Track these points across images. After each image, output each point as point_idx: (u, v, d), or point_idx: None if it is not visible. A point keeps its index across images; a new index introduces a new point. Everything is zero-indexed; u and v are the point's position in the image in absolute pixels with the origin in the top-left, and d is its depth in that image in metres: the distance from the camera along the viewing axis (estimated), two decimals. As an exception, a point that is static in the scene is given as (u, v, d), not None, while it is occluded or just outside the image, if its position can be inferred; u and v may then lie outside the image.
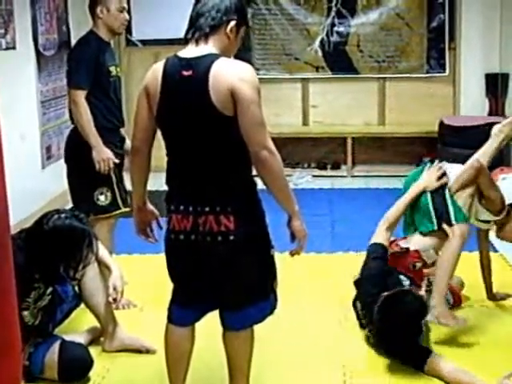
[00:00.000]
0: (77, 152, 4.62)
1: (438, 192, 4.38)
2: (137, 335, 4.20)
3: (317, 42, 8.59)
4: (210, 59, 3.01)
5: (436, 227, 4.31)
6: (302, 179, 8.27)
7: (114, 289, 4.01)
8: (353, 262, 5.30)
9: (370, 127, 8.73)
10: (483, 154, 4.46)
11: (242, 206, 3.08)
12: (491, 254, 4.90)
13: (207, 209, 3.04)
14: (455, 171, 4.43)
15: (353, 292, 4.38)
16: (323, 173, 8.60)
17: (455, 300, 4.52)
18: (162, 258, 5.49)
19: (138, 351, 4.12)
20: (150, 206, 3.39)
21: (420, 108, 8.54)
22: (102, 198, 4.64)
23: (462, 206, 4.32)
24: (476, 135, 7.44)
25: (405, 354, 3.86)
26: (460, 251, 4.22)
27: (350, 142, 8.48)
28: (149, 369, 3.92)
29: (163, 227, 3.30)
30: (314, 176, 8.46)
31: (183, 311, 3.32)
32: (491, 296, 4.67)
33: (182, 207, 3.10)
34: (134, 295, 4.79)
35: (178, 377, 3.39)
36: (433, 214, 4.33)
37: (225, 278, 3.15)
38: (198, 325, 3.37)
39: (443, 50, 8.46)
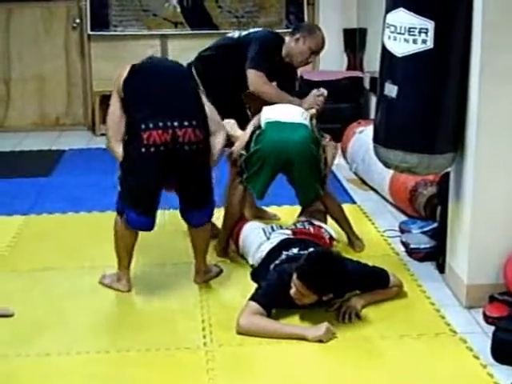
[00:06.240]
0: None
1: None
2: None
3: (175, -2, 8.46)
4: None
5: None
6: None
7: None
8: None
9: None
10: None
11: (205, 121, 4.06)
12: (350, 205, 4.99)
13: (186, 123, 3.90)
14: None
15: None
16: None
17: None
18: (16, 220, 5.39)
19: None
20: None
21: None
22: None
23: None
24: (334, 90, 7.59)
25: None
26: None
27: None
28: (7, 333, 3.81)
29: None
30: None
31: (144, 218, 4.05)
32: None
33: (161, 124, 3.86)
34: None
35: (129, 259, 4.21)
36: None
37: (194, 182, 4.05)
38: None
39: (302, 5, 8.45)
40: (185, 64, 4.93)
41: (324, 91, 4.88)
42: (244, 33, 4.96)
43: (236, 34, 5.00)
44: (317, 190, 4.60)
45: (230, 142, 4.58)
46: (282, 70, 4.91)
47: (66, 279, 4.43)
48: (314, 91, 4.88)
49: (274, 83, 4.90)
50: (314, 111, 4.73)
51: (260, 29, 5.20)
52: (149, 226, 4.10)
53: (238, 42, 4.88)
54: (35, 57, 8.40)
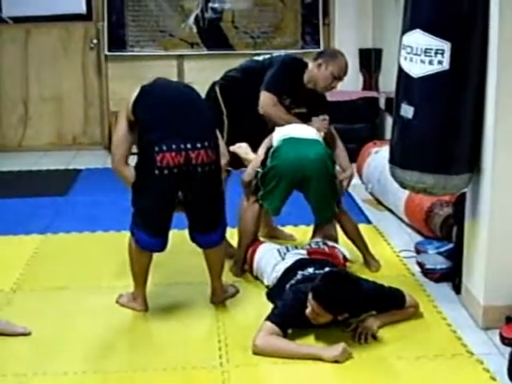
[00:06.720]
0: None
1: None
2: (6, 320, 4.03)
3: (191, 19, 8.49)
4: None
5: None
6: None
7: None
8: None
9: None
10: None
11: (216, 141, 4.08)
12: (365, 225, 4.99)
13: (199, 145, 3.87)
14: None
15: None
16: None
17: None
18: (33, 239, 5.41)
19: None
20: None
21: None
22: None
23: None
24: (350, 110, 7.63)
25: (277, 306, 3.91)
26: None
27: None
28: (24, 352, 3.82)
29: None
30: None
31: (155, 240, 4.04)
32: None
33: (174, 146, 3.83)
34: (4, 277, 4.69)
35: (144, 279, 4.20)
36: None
37: (205, 202, 4.04)
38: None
39: (317, 26, 8.50)
40: (208, 84, 4.99)
41: (326, 116, 4.90)
42: (267, 56, 4.99)
43: (261, 57, 5.03)
44: (333, 208, 4.63)
45: (243, 164, 4.63)
46: (310, 96, 4.91)
47: (83, 298, 4.44)
48: (315, 118, 4.89)
49: (304, 109, 4.92)
50: (322, 134, 4.76)
51: (283, 53, 5.22)
52: (160, 247, 4.09)
53: (260, 65, 4.90)
54: (53, 77, 8.48)
